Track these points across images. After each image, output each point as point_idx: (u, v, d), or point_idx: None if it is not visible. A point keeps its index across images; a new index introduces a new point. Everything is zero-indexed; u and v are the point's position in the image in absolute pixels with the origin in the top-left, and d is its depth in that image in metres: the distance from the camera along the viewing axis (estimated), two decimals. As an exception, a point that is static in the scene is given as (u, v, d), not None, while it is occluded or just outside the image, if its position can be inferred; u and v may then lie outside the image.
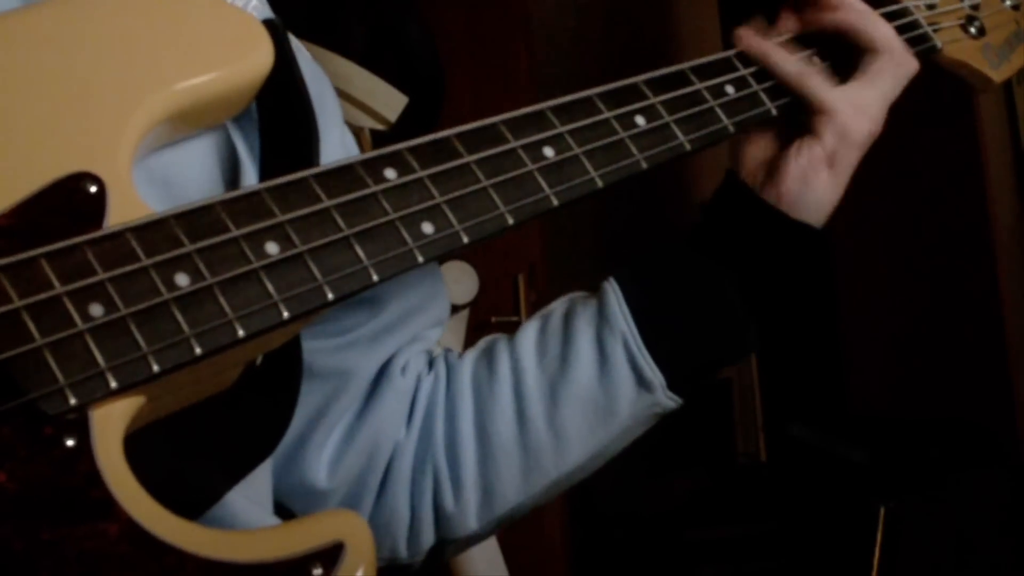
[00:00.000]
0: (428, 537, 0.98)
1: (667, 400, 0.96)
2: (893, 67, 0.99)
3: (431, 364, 1.01)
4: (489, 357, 0.99)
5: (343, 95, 2.13)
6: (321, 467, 0.95)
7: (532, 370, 0.96)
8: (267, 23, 0.77)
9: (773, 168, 0.98)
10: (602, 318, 0.96)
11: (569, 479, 0.98)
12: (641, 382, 0.95)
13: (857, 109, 0.97)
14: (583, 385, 0.95)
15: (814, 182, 0.96)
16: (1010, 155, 2.88)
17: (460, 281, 2.46)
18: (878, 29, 1.00)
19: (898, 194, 2.98)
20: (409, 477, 0.97)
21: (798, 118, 0.99)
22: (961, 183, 2.96)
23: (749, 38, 1.00)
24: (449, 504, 0.96)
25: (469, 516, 0.97)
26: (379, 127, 2.27)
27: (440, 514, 0.97)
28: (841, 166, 0.97)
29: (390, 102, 2.26)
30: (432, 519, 0.97)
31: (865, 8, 1.01)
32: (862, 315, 3.36)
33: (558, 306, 1.00)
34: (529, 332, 0.99)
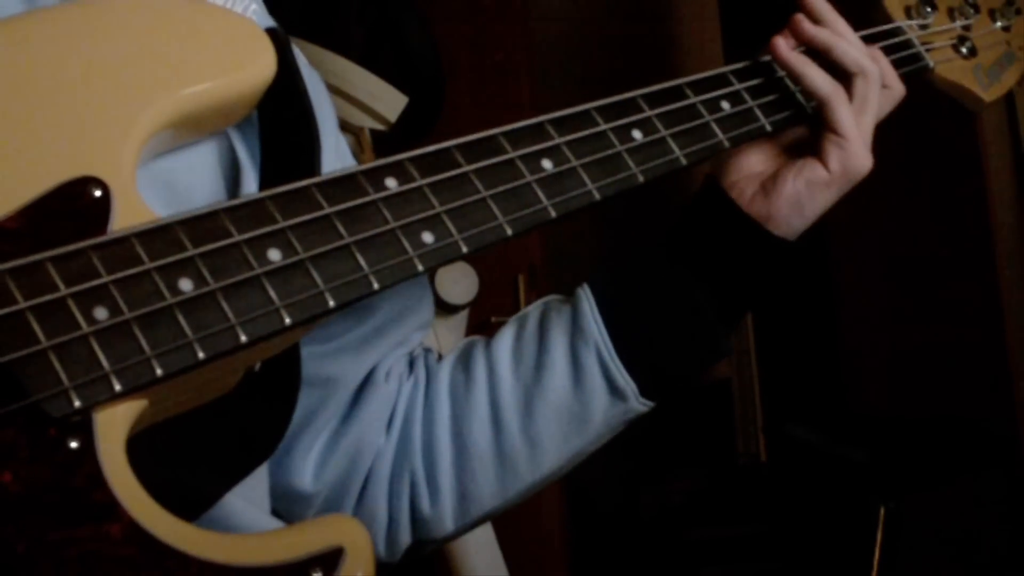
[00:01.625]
0: (405, 538, 1.00)
1: (640, 406, 0.97)
2: (876, 86, 0.99)
3: (412, 365, 1.02)
4: (466, 363, 1.00)
5: (343, 95, 2.13)
6: (307, 471, 0.96)
7: (507, 378, 0.98)
8: (270, 31, 0.78)
9: (768, 185, 0.98)
10: (576, 327, 0.97)
11: (544, 483, 1.00)
12: (614, 391, 0.96)
13: (865, 141, 0.98)
14: (557, 395, 0.96)
15: (807, 206, 0.97)
16: (1010, 156, 2.88)
17: (460, 281, 2.46)
18: (847, 53, 1.00)
19: (898, 194, 2.98)
20: (388, 481, 0.99)
21: (797, 135, 1.01)
22: (961, 184, 2.96)
23: (785, 50, 1.00)
24: (426, 508, 0.98)
25: (445, 519, 0.99)
26: (379, 127, 2.27)
27: (417, 517, 0.99)
28: (835, 193, 0.98)
29: (390, 102, 2.26)
30: (409, 522, 0.99)
31: (834, 30, 1.01)
32: (862, 315, 3.36)
33: (533, 311, 1.02)
34: (505, 339, 1.00)
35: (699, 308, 0.97)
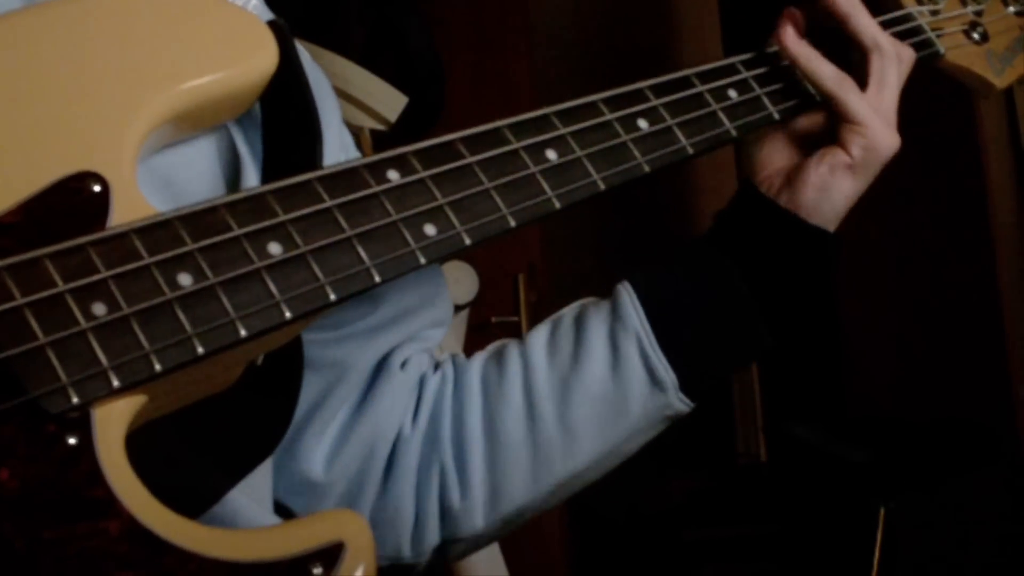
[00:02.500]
0: (433, 536, 0.98)
1: (679, 402, 0.96)
2: (894, 62, 1.00)
3: (437, 366, 1.01)
4: (499, 357, 0.99)
5: (343, 95, 2.13)
6: (317, 460, 0.95)
7: (543, 368, 0.96)
8: (272, 24, 0.78)
9: (792, 176, 0.98)
10: (615, 317, 0.96)
11: (576, 480, 0.98)
12: (654, 381, 0.95)
13: (886, 122, 0.98)
14: (595, 382, 0.95)
15: (833, 191, 0.97)
16: (1010, 155, 2.88)
17: (460, 281, 2.46)
18: (866, 27, 1.00)
19: (898, 194, 2.98)
20: (414, 474, 0.97)
21: (815, 123, 1.00)
22: (961, 183, 2.96)
23: (791, 40, 0.99)
24: (455, 501, 0.96)
25: (476, 514, 0.97)
26: (379, 127, 2.27)
27: (446, 512, 0.97)
28: (862, 177, 0.98)
29: (390, 102, 2.26)
30: (438, 517, 0.97)
31: (851, 6, 1.01)
32: (862, 315, 3.36)
33: (570, 310, 1.00)
34: (540, 333, 0.99)
35: (740, 297, 0.96)
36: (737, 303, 0.97)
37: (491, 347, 1.02)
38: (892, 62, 1.00)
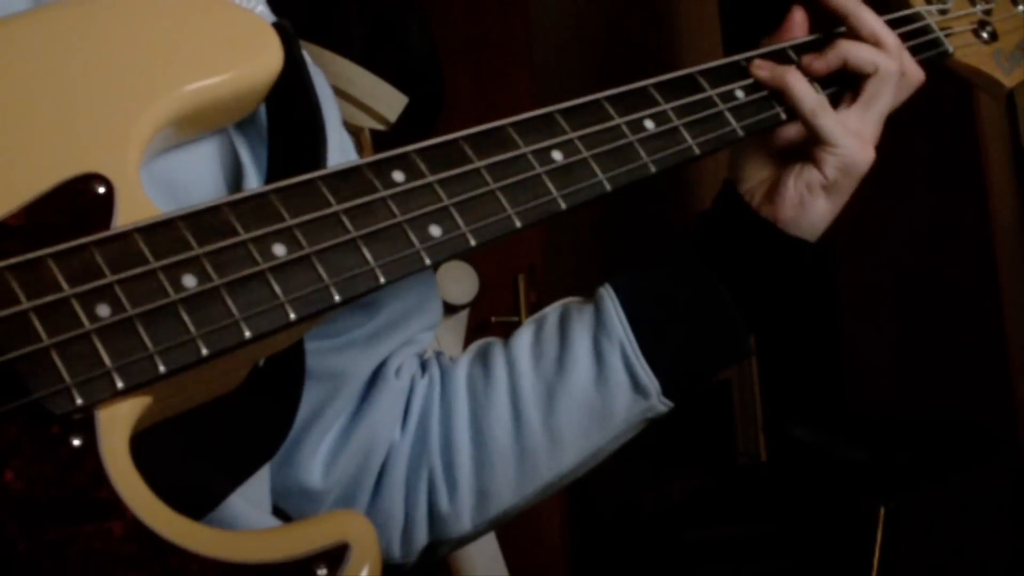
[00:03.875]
0: (421, 538, 0.99)
1: (660, 405, 0.98)
2: (890, 88, 1.00)
3: (424, 367, 1.02)
4: (484, 361, 1.00)
5: (343, 95, 2.13)
6: (316, 468, 0.95)
7: (528, 374, 0.98)
8: (276, 25, 0.78)
9: (772, 190, 0.99)
10: (599, 324, 0.97)
11: (561, 481, 1.00)
12: (637, 388, 0.96)
13: (861, 141, 0.98)
14: (580, 390, 0.96)
15: (811, 206, 0.98)
16: (1010, 155, 2.87)
17: (460, 281, 2.46)
18: (869, 53, 1.00)
19: (898, 194, 2.98)
20: (404, 479, 0.98)
21: (798, 133, 1.00)
22: (961, 183, 2.96)
23: (769, 68, 0.99)
24: (444, 506, 0.97)
25: (463, 517, 0.98)
26: (379, 127, 2.26)
27: (434, 515, 0.98)
28: (839, 193, 0.98)
29: (390, 102, 2.25)
30: (426, 520, 0.98)
31: (862, 25, 1.01)
32: (862, 315, 3.36)
33: (552, 311, 1.01)
34: (524, 337, 1.00)
35: (722, 304, 0.97)
36: (719, 310, 0.98)
37: (475, 347, 1.03)
38: (889, 84, 0.99)
